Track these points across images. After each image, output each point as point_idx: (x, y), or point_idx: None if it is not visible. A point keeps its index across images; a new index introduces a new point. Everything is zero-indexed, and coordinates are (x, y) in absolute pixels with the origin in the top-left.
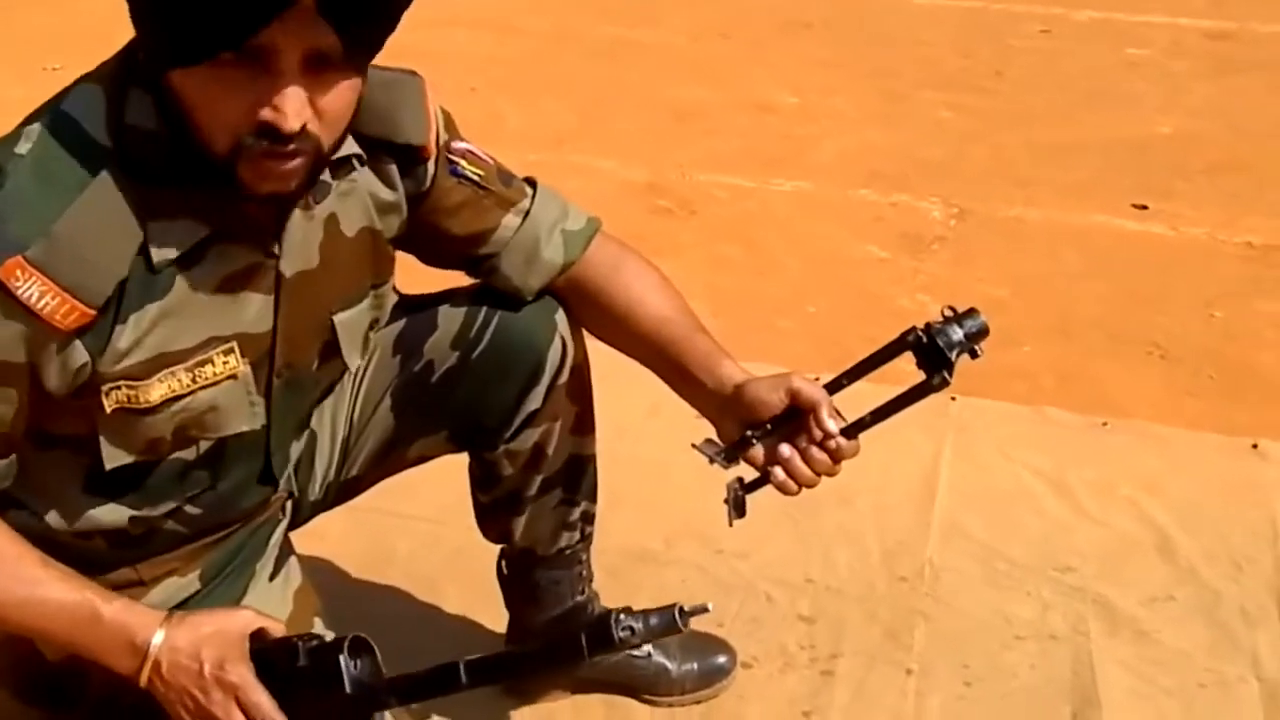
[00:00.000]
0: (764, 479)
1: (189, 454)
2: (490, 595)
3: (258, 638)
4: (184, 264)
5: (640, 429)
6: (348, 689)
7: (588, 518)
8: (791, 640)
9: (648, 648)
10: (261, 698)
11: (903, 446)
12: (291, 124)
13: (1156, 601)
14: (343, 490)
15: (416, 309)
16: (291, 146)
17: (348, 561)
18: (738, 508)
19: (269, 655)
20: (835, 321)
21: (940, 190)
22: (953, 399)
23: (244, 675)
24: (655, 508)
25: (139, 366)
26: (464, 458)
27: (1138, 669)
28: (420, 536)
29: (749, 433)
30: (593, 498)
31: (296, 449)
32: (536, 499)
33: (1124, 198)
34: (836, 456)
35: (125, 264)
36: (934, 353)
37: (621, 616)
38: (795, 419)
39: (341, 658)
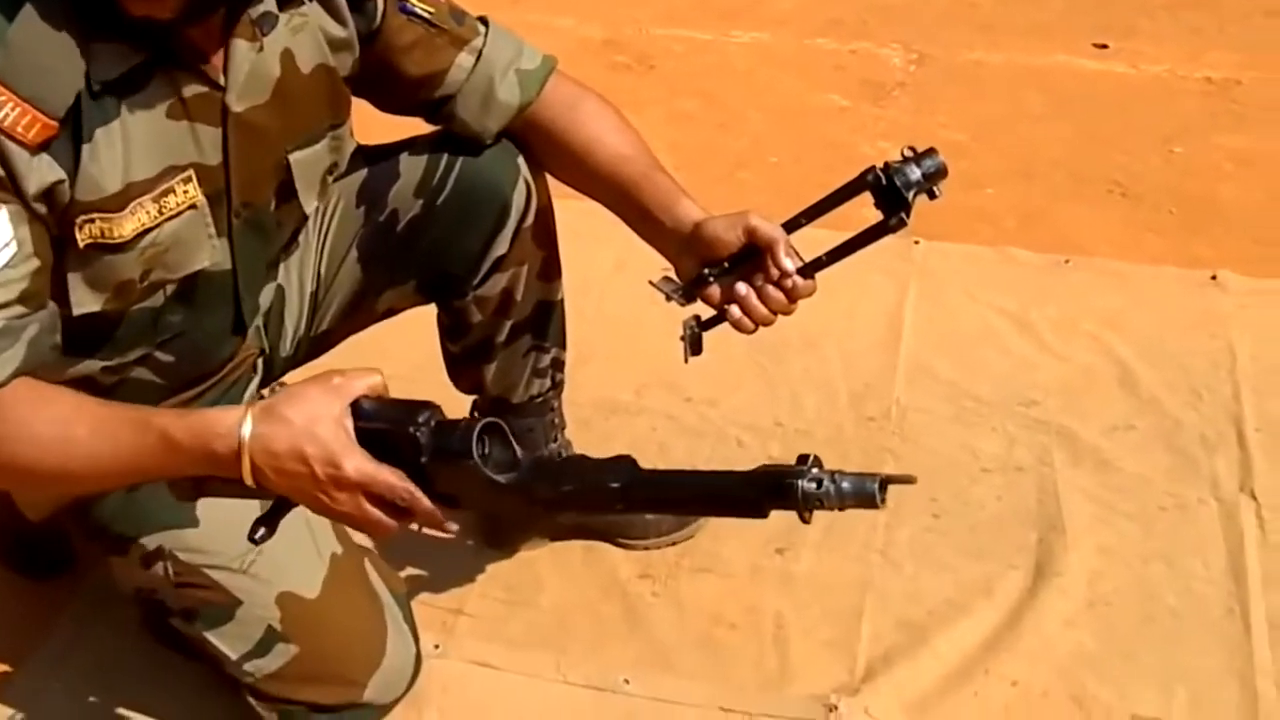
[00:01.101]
0: (720, 317)
1: (157, 300)
2: None
3: (359, 404)
4: (129, 89)
5: (606, 285)
6: (487, 486)
7: (558, 364)
8: None
9: None
10: (394, 480)
11: (868, 291)
12: None
13: (1118, 431)
14: (314, 345)
15: (377, 159)
16: None
17: None
18: (694, 345)
19: (383, 440)
20: (798, 172)
21: (900, 36)
22: (916, 243)
23: (363, 468)
24: (624, 360)
25: (112, 200)
26: (432, 313)
27: (1100, 496)
28: (395, 393)
29: (706, 271)
30: (562, 344)
31: (266, 299)
32: (507, 346)
33: (1085, 37)
34: (793, 295)
35: (79, 75)
36: (892, 193)
37: (807, 477)
38: (753, 258)
39: (473, 453)
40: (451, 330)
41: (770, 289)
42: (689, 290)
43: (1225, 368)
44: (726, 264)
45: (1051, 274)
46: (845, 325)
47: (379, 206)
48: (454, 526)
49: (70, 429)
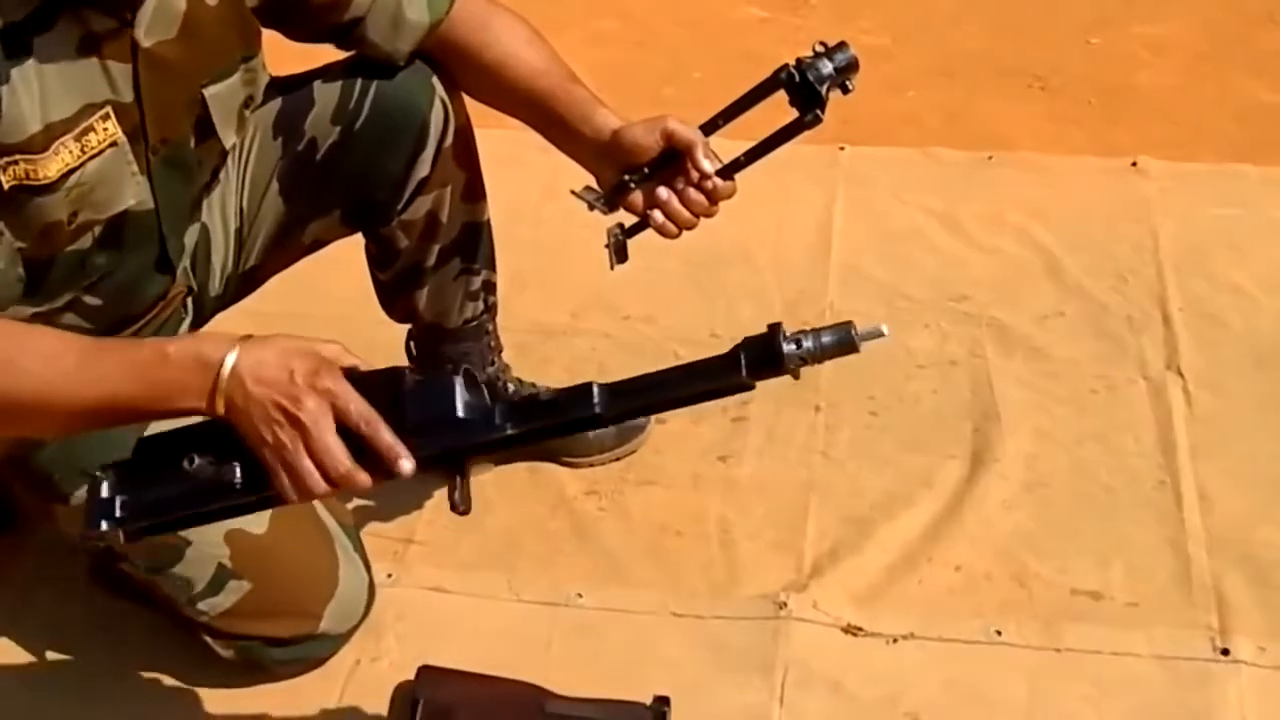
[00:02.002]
0: (644, 223)
1: (85, 243)
2: None
3: (349, 371)
4: (37, 28)
5: (537, 212)
6: (460, 412)
7: (489, 287)
8: None
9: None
10: (362, 405)
11: (796, 200)
12: None
13: (1047, 319)
14: (242, 282)
15: (291, 88)
16: None
17: None
18: (618, 253)
19: (366, 380)
20: (721, 85)
21: None
22: (842, 149)
23: (340, 383)
24: (559, 285)
25: (35, 140)
26: (363, 249)
27: (1032, 383)
28: (329, 334)
29: (627, 178)
30: (492, 266)
31: (191, 238)
32: (436, 270)
33: None
34: (713, 197)
35: None
36: (805, 89)
37: (787, 336)
38: (672, 162)
39: (456, 380)
40: (380, 259)
41: (691, 192)
42: (611, 198)
43: (1149, 251)
44: (647, 170)
45: (976, 171)
46: (776, 234)
47: (296, 136)
48: (409, 465)
49: (59, 361)
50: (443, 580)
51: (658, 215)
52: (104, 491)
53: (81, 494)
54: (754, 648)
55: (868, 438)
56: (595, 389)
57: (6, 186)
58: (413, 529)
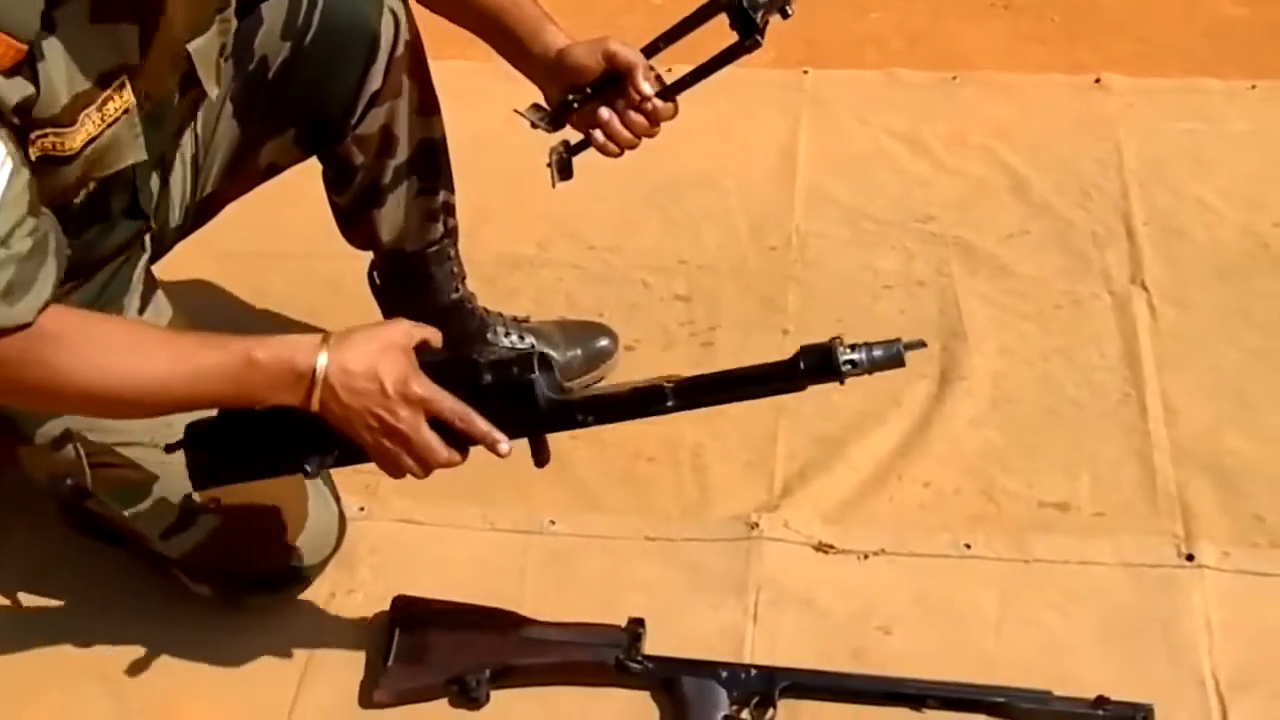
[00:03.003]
0: (586, 142)
1: (77, 198)
2: (369, 320)
3: (421, 349)
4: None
5: (499, 141)
6: (541, 404)
7: (449, 209)
8: (671, 319)
9: (530, 339)
10: (454, 403)
11: (761, 124)
12: None
13: (1013, 237)
14: (200, 210)
15: (240, 12)
16: None
17: (221, 305)
18: (561, 170)
19: (444, 370)
20: (681, 13)
21: None
22: (805, 72)
23: (429, 387)
24: (524, 215)
25: (64, 114)
26: (323, 185)
27: (998, 300)
28: (293, 272)
29: (570, 97)
30: (450, 187)
31: (155, 182)
32: (394, 188)
33: None
34: (653, 118)
35: None
36: (743, 14)
37: (843, 346)
38: (615, 83)
39: (534, 376)
40: (337, 182)
41: (632, 113)
42: (554, 117)
43: (1113, 166)
44: (589, 90)
45: (940, 91)
46: (740, 159)
47: (247, 56)
48: (506, 446)
49: (152, 363)
50: (416, 512)
51: (599, 135)
52: (201, 459)
53: (45, 432)
54: (727, 568)
55: None
56: (666, 389)
57: (34, 158)
58: None
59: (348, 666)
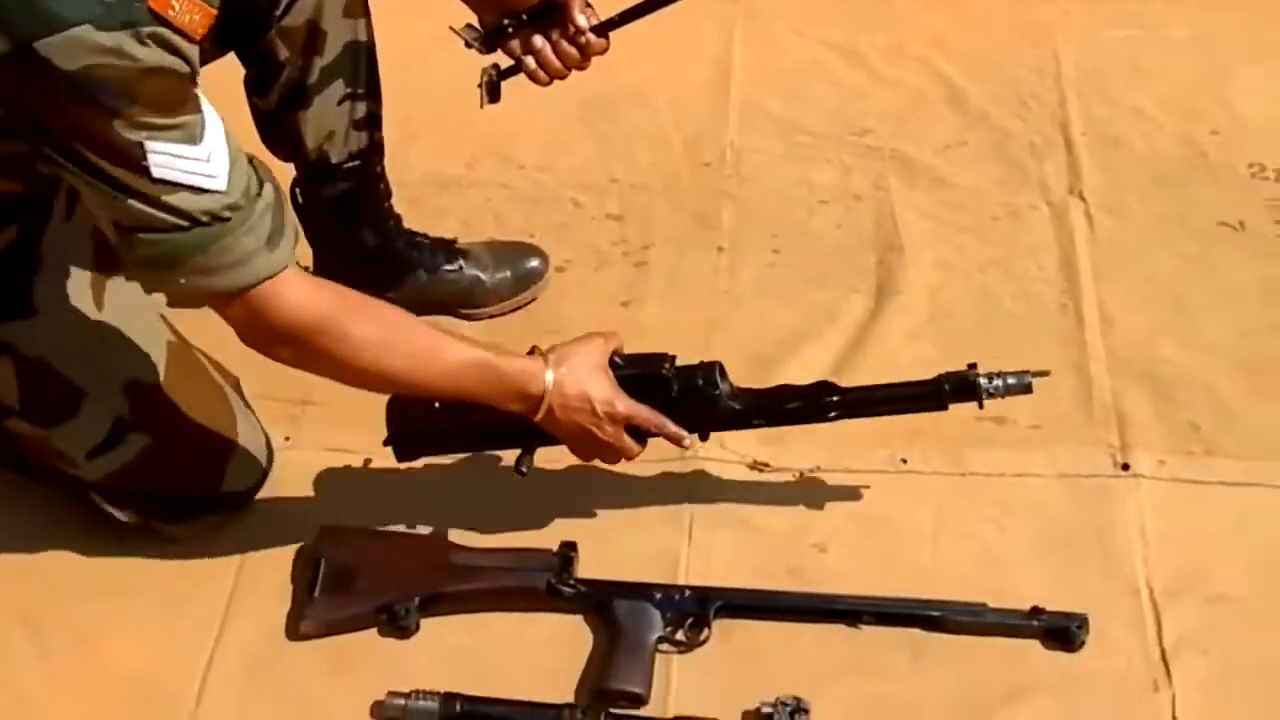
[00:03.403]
0: (517, 68)
1: None
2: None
3: (613, 361)
4: None
5: (426, 58)
6: (722, 413)
7: (375, 121)
8: (603, 239)
9: (458, 260)
10: (649, 414)
11: (693, 38)
12: None
13: (950, 149)
14: None
15: None
16: None
17: None
18: (490, 93)
19: (639, 383)
20: None
21: None
22: None
23: (630, 405)
24: (452, 134)
25: None
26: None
27: (935, 213)
28: None
29: (506, 22)
30: (377, 97)
31: None
32: (319, 89)
33: None
34: (586, 52)
35: None
36: None
37: (983, 376)
38: (552, 13)
39: (718, 392)
40: (259, 83)
41: (565, 44)
42: (489, 40)
43: (1051, 76)
44: (525, 17)
45: (876, 2)
46: (673, 74)
47: None
48: (688, 440)
49: (432, 362)
50: (342, 440)
51: (530, 61)
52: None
53: None
54: (661, 489)
55: (771, 276)
56: (831, 402)
57: None
58: (309, 390)
59: (274, 599)
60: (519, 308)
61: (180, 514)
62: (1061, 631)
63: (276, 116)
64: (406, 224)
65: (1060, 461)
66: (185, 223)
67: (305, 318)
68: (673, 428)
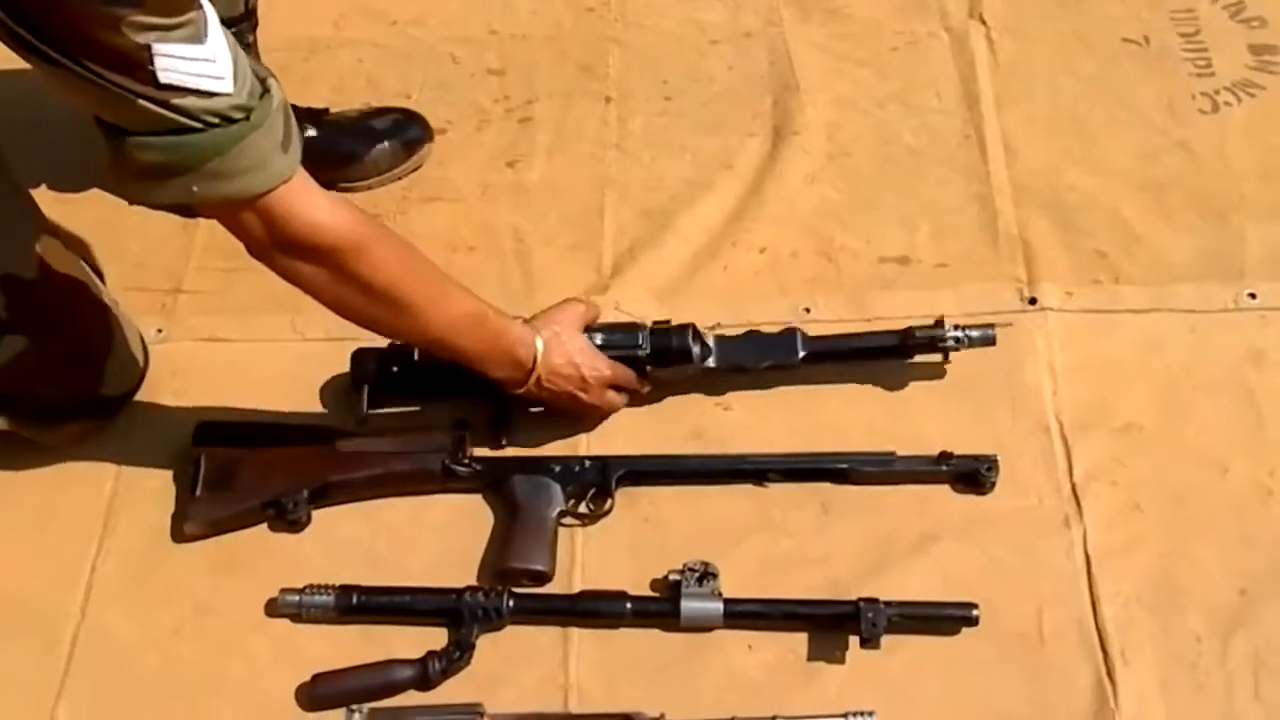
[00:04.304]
0: None
1: None
2: None
3: (590, 326)
4: None
5: None
6: (690, 372)
7: None
8: (484, 96)
9: (329, 130)
10: (627, 372)
11: None
12: None
13: None
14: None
15: None
16: None
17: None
18: None
19: (618, 346)
20: None
21: None
22: None
23: (612, 366)
24: None
25: None
26: None
27: (831, 47)
28: None
29: None
30: None
31: None
32: None
33: None
34: None
35: None
36: None
37: (948, 326)
38: None
39: (693, 354)
40: None
41: None
42: None
43: None
44: None
45: None
46: None
47: None
48: (647, 388)
49: (440, 296)
50: (218, 328)
51: None
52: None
53: None
54: None
55: (662, 124)
56: (798, 338)
57: None
58: (179, 278)
59: (155, 502)
60: (399, 178)
61: (58, 415)
62: (971, 475)
63: None
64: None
65: (967, 300)
66: (198, 124)
67: (326, 230)
68: (644, 387)
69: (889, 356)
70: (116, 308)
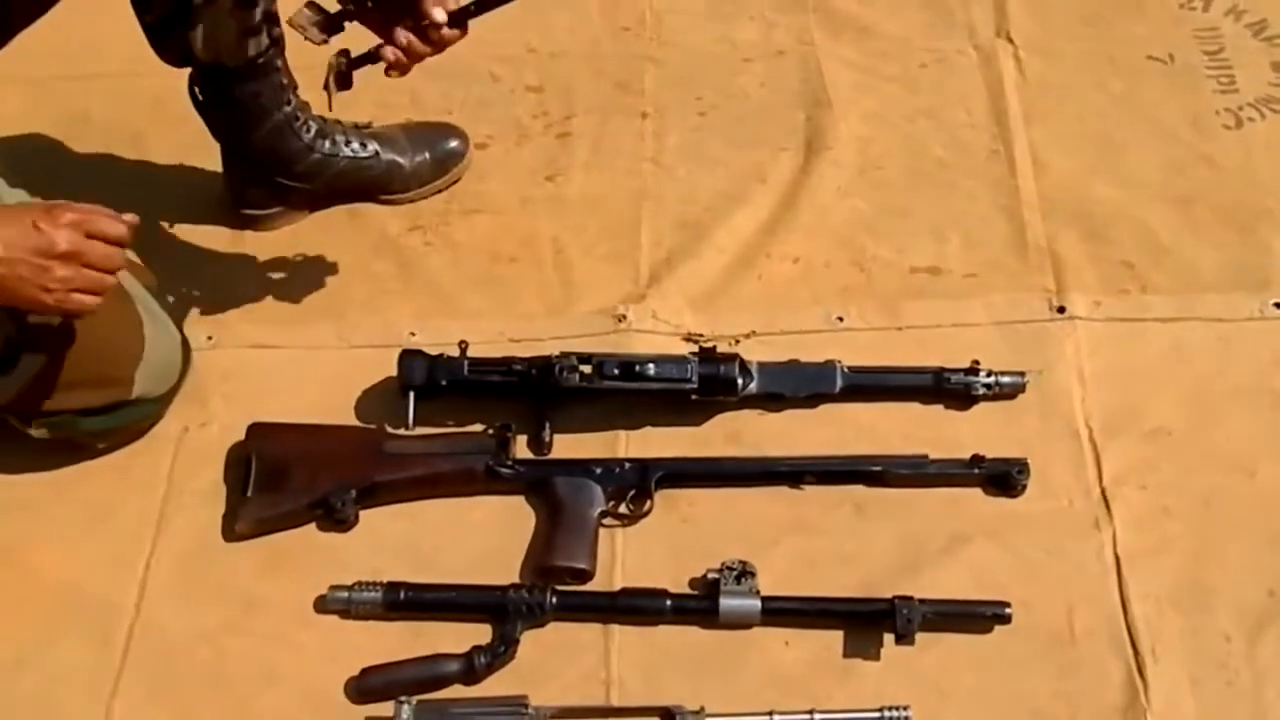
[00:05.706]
0: (371, 56)
1: None
2: (198, 139)
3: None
4: None
5: None
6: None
7: (271, 19)
8: (524, 112)
9: (374, 146)
10: (105, 210)
11: None
12: None
13: None
14: None
15: None
16: None
17: (38, 134)
18: (340, 82)
19: (664, 379)
20: None
21: None
22: None
23: (79, 205)
24: None
25: None
26: None
27: (861, 64)
28: (113, 93)
29: (351, 6)
30: None
31: None
32: (208, 4)
33: None
34: (440, 44)
35: None
36: None
37: (983, 373)
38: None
39: (740, 380)
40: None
41: (415, 38)
42: (329, 23)
43: None
44: (370, 3)
45: None
46: None
47: None
48: (133, 218)
49: None
50: (266, 336)
51: (389, 52)
52: None
53: None
54: None
55: (698, 139)
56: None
57: None
58: (229, 287)
59: (207, 502)
60: (441, 190)
61: (95, 421)
62: (1002, 477)
63: (163, 32)
64: (316, 111)
65: (996, 309)
66: None
67: None
68: (119, 227)
69: (921, 397)
70: (151, 313)
